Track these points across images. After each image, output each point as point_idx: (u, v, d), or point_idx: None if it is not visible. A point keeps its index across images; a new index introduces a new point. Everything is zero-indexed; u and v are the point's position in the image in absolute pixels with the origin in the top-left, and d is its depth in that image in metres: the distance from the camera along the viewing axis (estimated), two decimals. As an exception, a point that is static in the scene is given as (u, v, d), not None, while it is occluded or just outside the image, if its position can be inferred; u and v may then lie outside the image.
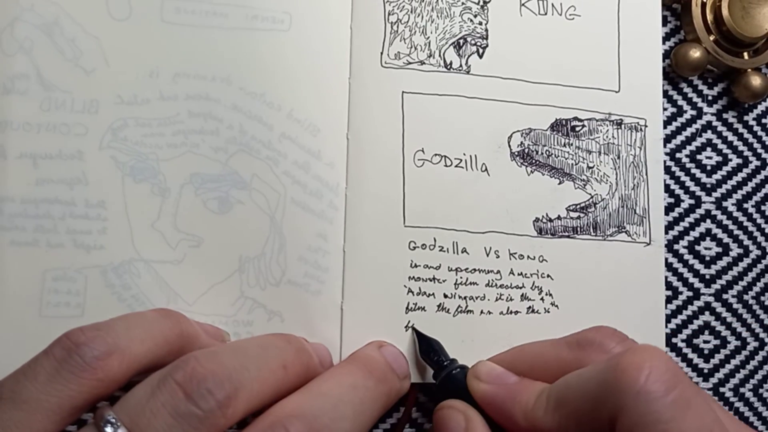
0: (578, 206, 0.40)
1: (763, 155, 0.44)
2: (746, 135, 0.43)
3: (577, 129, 0.40)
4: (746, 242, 0.43)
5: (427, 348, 0.37)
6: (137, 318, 0.31)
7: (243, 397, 0.28)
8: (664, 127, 0.42)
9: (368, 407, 0.32)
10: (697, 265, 0.42)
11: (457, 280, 0.38)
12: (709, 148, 0.43)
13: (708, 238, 0.42)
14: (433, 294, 0.38)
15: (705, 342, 0.42)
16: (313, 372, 0.33)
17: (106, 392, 0.28)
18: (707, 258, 0.42)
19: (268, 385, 0.29)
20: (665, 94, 0.43)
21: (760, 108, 0.44)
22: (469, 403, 0.34)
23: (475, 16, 0.40)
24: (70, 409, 0.27)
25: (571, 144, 0.40)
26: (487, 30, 0.40)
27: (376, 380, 0.33)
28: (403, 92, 0.39)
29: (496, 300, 0.38)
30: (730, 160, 0.43)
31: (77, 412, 0.27)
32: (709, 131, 0.43)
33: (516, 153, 0.40)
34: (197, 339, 0.33)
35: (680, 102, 0.43)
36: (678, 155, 0.43)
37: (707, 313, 0.42)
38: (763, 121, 0.44)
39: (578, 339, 0.34)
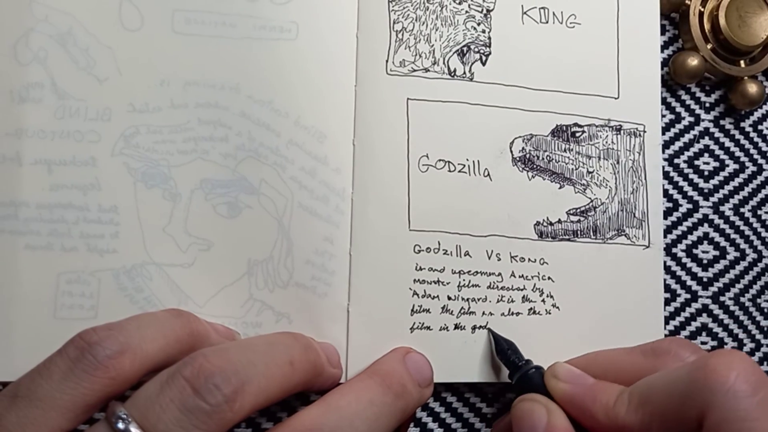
0: (578, 210, 0.40)
1: (759, 161, 0.44)
2: (743, 141, 0.44)
3: (578, 135, 0.41)
4: (743, 246, 0.43)
5: (503, 348, 0.37)
6: (149, 318, 0.31)
7: (250, 392, 0.28)
8: (663, 133, 0.42)
9: (384, 423, 0.32)
10: (695, 268, 0.42)
11: (460, 282, 0.39)
12: (706, 154, 0.43)
13: (705, 242, 0.43)
14: (437, 296, 0.38)
15: (703, 343, 0.42)
16: (320, 369, 0.33)
17: (118, 390, 0.28)
18: (704, 261, 0.42)
19: (275, 380, 0.30)
20: (664, 101, 0.43)
21: (756, 115, 0.44)
22: None
23: (479, 24, 0.41)
24: (83, 406, 0.27)
25: (572, 149, 0.41)
26: (490, 38, 0.41)
27: (394, 395, 0.33)
28: (407, 99, 0.39)
29: (498, 302, 0.39)
30: (727, 165, 0.43)
31: (90, 410, 0.28)
32: (707, 137, 0.43)
33: (517, 158, 0.40)
34: (208, 338, 0.33)
35: (678, 109, 0.43)
36: (676, 161, 0.43)
37: (705, 315, 0.42)
38: (759, 127, 0.44)
39: (653, 347, 0.35)
